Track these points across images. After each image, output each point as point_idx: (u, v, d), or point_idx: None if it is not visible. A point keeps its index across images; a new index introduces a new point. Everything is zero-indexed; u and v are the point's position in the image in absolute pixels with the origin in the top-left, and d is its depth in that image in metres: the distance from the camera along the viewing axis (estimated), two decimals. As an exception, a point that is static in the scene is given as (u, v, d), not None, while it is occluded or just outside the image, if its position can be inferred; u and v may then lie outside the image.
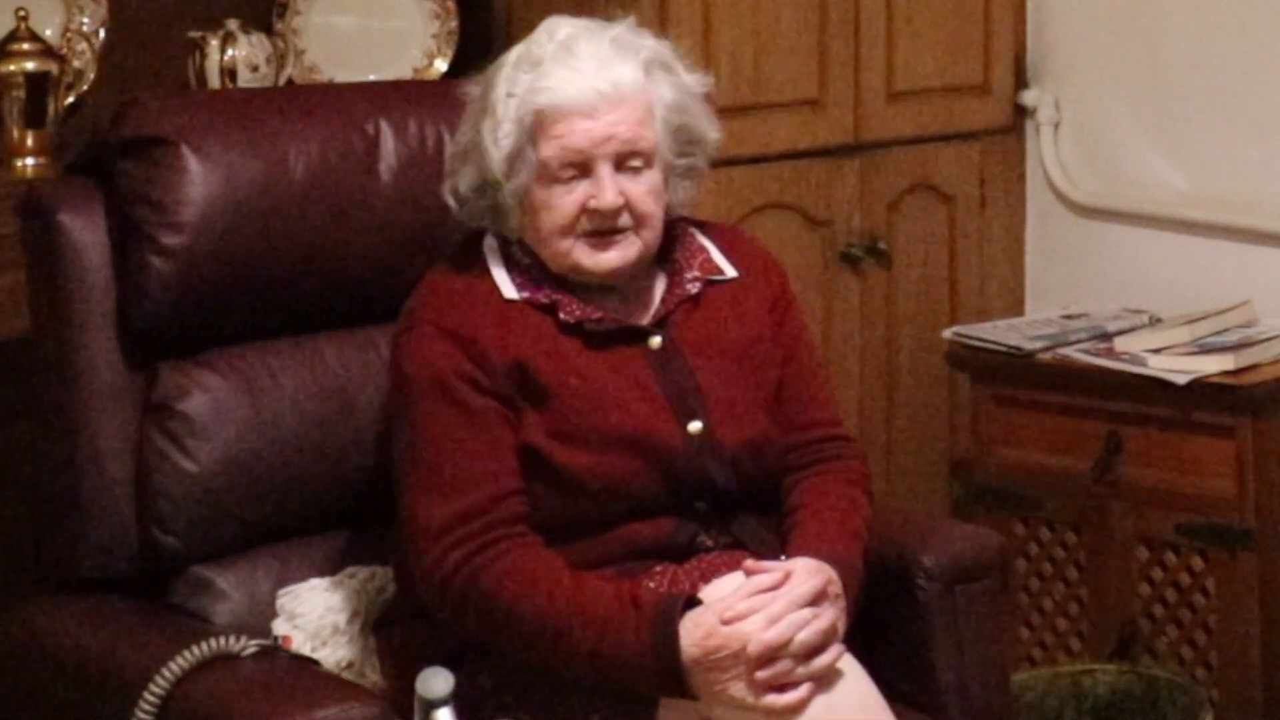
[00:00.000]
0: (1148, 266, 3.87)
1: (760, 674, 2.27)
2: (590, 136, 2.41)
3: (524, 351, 2.42)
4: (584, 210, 2.43)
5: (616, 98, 2.42)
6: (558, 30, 2.47)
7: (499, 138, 2.43)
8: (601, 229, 2.44)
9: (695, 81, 2.52)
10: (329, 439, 2.66)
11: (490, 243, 2.52)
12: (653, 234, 2.48)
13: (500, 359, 2.41)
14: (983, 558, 2.68)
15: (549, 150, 2.42)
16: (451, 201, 2.51)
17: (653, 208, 2.47)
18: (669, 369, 2.48)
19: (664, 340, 2.49)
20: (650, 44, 2.50)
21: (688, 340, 2.50)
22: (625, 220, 2.45)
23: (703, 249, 2.58)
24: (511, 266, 2.49)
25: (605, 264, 2.46)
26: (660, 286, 2.54)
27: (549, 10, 3.41)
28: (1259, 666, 3.43)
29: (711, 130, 2.54)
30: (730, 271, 2.58)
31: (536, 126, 2.42)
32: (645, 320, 2.51)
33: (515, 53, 2.47)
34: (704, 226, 2.63)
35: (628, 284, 2.51)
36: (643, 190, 2.45)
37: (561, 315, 2.45)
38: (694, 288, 2.54)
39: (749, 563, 2.36)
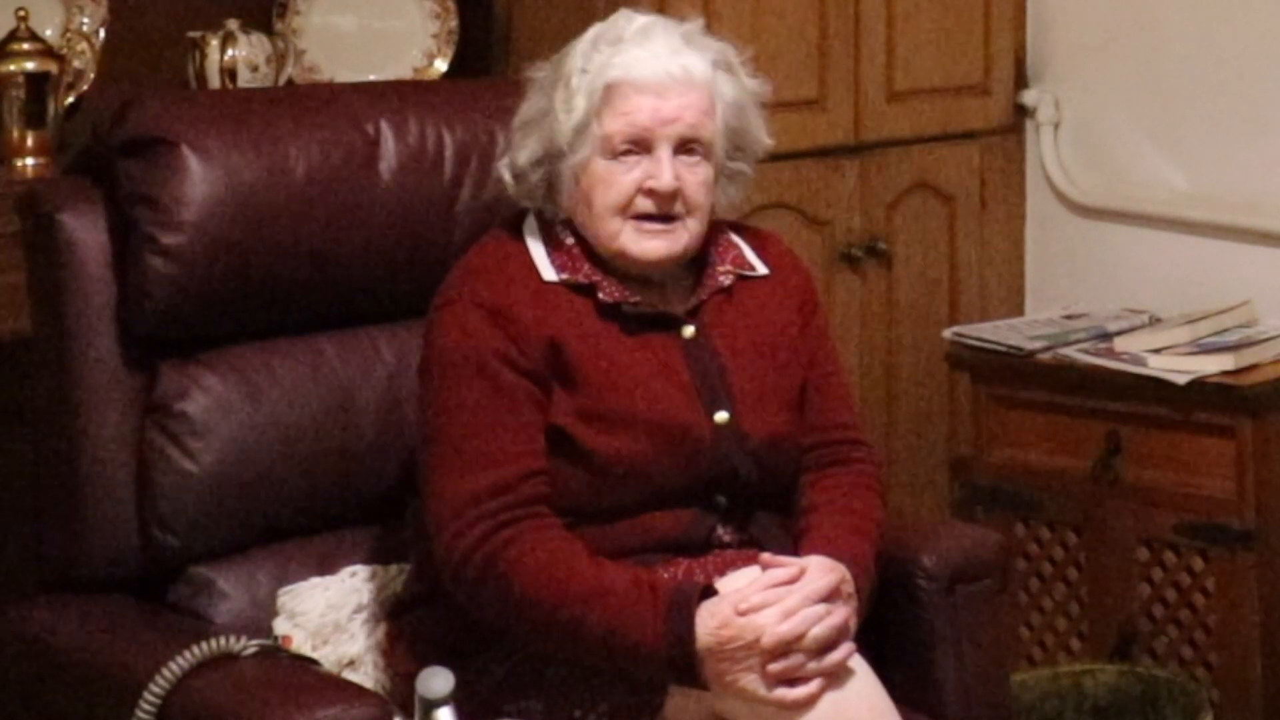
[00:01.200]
0: (1148, 266, 3.87)
1: (772, 667, 2.28)
2: (657, 115, 2.44)
3: (560, 332, 2.44)
4: (640, 190, 2.45)
5: (686, 82, 2.46)
6: (635, 18, 2.50)
7: (571, 108, 2.44)
8: (655, 212, 2.46)
9: (756, 86, 2.55)
10: (329, 439, 2.67)
11: (531, 224, 2.53)
12: (699, 227, 2.51)
13: (536, 337, 2.43)
14: (983, 558, 2.68)
15: (615, 124, 2.44)
16: (507, 176, 2.52)
17: (704, 199, 2.49)
18: (699, 358, 2.50)
19: (696, 330, 2.51)
20: (718, 45, 2.53)
21: (719, 332, 2.53)
22: (679, 208, 2.47)
23: (735, 245, 2.61)
24: (552, 247, 2.50)
25: (652, 252, 2.47)
26: (693, 278, 2.55)
27: (549, 10, 3.42)
28: (1259, 666, 3.43)
29: (764, 136, 2.56)
30: (761, 269, 2.60)
31: (605, 100, 2.44)
32: (679, 309, 2.52)
33: (593, 31, 2.50)
34: (736, 226, 2.65)
35: (665, 274, 2.53)
36: (698, 180, 2.48)
37: (600, 295, 2.47)
38: (727, 280, 2.56)
39: (765, 556, 2.37)
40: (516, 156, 2.50)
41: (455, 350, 2.43)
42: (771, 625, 2.28)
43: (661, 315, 2.50)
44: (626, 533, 2.43)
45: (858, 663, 2.36)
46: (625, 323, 2.48)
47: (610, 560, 2.38)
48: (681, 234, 2.48)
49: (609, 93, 2.44)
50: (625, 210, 2.46)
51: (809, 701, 2.30)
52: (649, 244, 2.47)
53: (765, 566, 2.35)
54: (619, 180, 2.45)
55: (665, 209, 2.46)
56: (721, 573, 2.39)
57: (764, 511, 2.51)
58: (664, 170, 2.45)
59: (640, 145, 2.45)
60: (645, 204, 2.46)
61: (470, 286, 2.47)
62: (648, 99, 2.44)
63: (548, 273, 2.48)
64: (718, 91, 2.49)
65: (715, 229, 2.59)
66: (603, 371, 2.44)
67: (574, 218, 2.50)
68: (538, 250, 2.51)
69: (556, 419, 2.42)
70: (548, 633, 2.35)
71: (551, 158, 2.47)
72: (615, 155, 2.45)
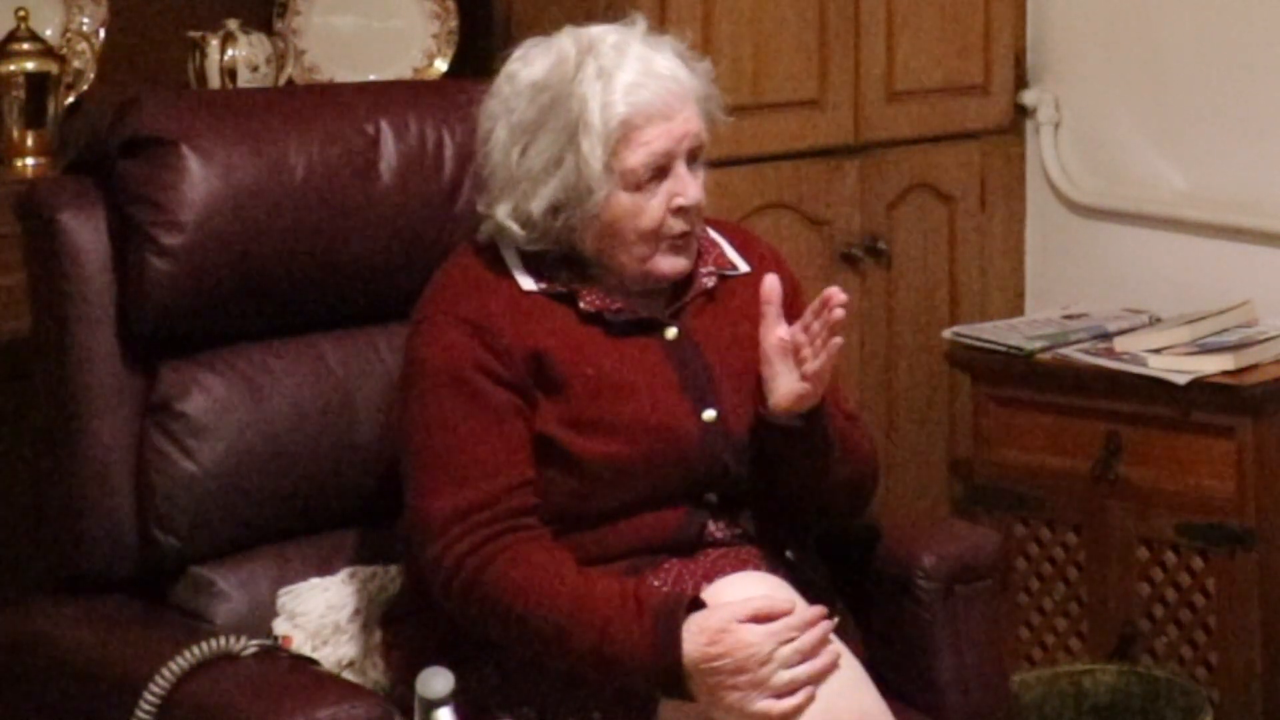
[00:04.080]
0: (1148, 266, 3.87)
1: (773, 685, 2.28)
2: (672, 137, 2.44)
3: (542, 341, 2.43)
4: (668, 211, 2.45)
5: (680, 93, 2.46)
6: (603, 38, 2.47)
7: (599, 151, 2.41)
8: (685, 229, 2.46)
9: (707, 69, 2.54)
10: (329, 439, 2.67)
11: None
12: (702, 228, 2.53)
13: (518, 349, 2.42)
14: (983, 558, 2.68)
15: (637, 157, 2.43)
16: (514, 227, 2.47)
17: (704, 200, 2.50)
18: (684, 359, 2.50)
19: (679, 331, 2.51)
20: (669, 39, 2.52)
21: (702, 331, 2.53)
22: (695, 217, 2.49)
23: (715, 244, 2.61)
24: (528, 257, 2.50)
25: (680, 267, 2.50)
26: (675, 280, 2.55)
27: (548, 10, 3.42)
28: (1259, 666, 3.43)
29: (723, 115, 2.56)
30: (743, 267, 2.61)
31: (621, 136, 2.42)
32: (660, 313, 2.52)
33: (590, 66, 2.43)
34: (714, 223, 2.65)
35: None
36: (701, 183, 2.49)
37: (582, 305, 2.47)
38: (709, 281, 2.56)
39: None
40: (527, 206, 2.45)
41: (436, 365, 2.42)
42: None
43: (644, 320, 2.50)
44: (618, 535, 2.43)
45: (851, 666, 2.36)
46: (608, 327, 2.47)
47: (601, 564, 2.38)
48: (693, 242, 2.50)
49: (625, 127, 2.42)
50: (657, 234, 2.46)
51: (797, 711, 2.29)
52: (678, 260, 2.49)
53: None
54: (647, 207, 2.44)
55: (690, 222, 2.47)
56: (710, 578, 2.39)
57: (754, 506, 2.50)
58: (688, 186, 2.45)
59: (660, 169, 2.44)
60: (676, 223, 2.46)
61: (448, 300, 2.46)
62: (659, 124, 2.43)
63: (526, 283, 2.48)
64: (695, 88, 2.49)
65: None
66: (588, 378, 2.44)
67: (594, 252, 2.47)
68: (514, 261, 2.50)
69: (543, 428, 2.42)
70: (536, 647, 2.35)
71: (577, 200, 2.43)
72: (640, 186, 2.44)
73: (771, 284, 2.43)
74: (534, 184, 2.45)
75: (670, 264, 2.48)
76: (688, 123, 2.45)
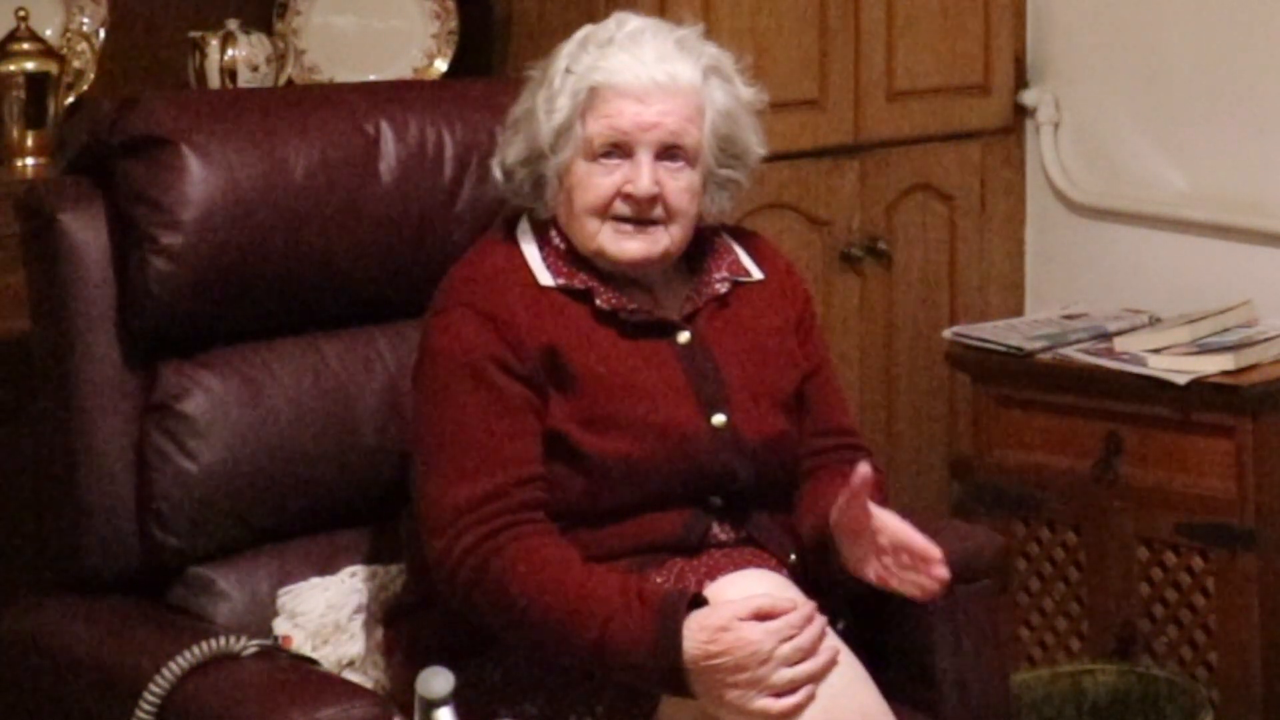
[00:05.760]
0: (1148, 266, 3.87)
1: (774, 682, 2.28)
2: (637, 120, 2.45)
3: (557, 337, 2.44)
4: (619, 194, 2.46)
5: (671, 89, 2.46)
6: (628, 21, 2.51)
7: (553, 109, 2.46)
8: (633, 216, 2.47)
9: (751, 94, 2.56)
10: (329, 439, 2.67)
11: (525, 228, 2.54)
12: (681, 233, 2.51)
13: (533, 343, 2.43)
14: (983, 558, 2.69)
15: (595, 127, 2.45)
16: (498, 174, 2.54)
17: (686, 206, 2.49)
18: (695, 363, 2.50)
19: (692, 335, 2.51)
20: (713, 51, 2.53)
21: (714, 337, 2.53)
22: (658, 212, 2.47)
23: (730, 250, 2.61)
24: (547, 253, 2.51)
25: (629, 252, 2.48)
26: (689, 284, 2.56)
27: (549, 10, 3.42)
28: (1259, 666, 3.43)
29: (757, 145, 2.57)
30: (757, 274, 2.61)
31: (588, 103, 2.45)
32: (674, 315, 2.53)
33: (583, 32, 2.51)
34: (730, 230, 2.66)
35: (658, 279, 2.54)
36: (679, 186, 2.48)
37: (598, 302, 2.48)
38: (723, 287, 2.56)
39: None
40: (505, 155, 2.53)
41: (451, 356, 2.43)
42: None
43: (658, 322, 2.51)
44: (623, 534, 2.43)
45: (850, 664, 2.36)
46: (622, 328, 2.48)
47: (605, 562, 2.38)
48: (661, 238, 2.49)
49: (593, 96, 2.45)
50: (604, 212, 2.47)
51: (797, 710, 2.29)
52: (626, 244, 2.48)
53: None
54: (598, 182, 2.46)
55: (642, 214, 2.47)
56: (712, 577, 2.39)
57: (759, 510, 2.51)
58: (642, 175, 2.45)
59: (621, 149, 2.45)
60: (623, 208, 2.47)
61: (466, 293, 2.47)
62: (630, 104, 2.45)
63: (544, 278, 2.49)
64: (708, 98, 2.49)
65: (710, 233, 2.60)
66: (600, 376, 2.44)
67: (557, 218, 2.51)
68: (533, 255, 2.51)
69: (554, 424, 2.43)
70: (539, 640, 2.35)
71: (536, 157, 2.49)
72: (596, 157, 2.46)
73: (863, 474, 2.38)
74: (512, 133, 2.52)
75: (616, 246, 2.47)
76: (663, 116, 2.45)
